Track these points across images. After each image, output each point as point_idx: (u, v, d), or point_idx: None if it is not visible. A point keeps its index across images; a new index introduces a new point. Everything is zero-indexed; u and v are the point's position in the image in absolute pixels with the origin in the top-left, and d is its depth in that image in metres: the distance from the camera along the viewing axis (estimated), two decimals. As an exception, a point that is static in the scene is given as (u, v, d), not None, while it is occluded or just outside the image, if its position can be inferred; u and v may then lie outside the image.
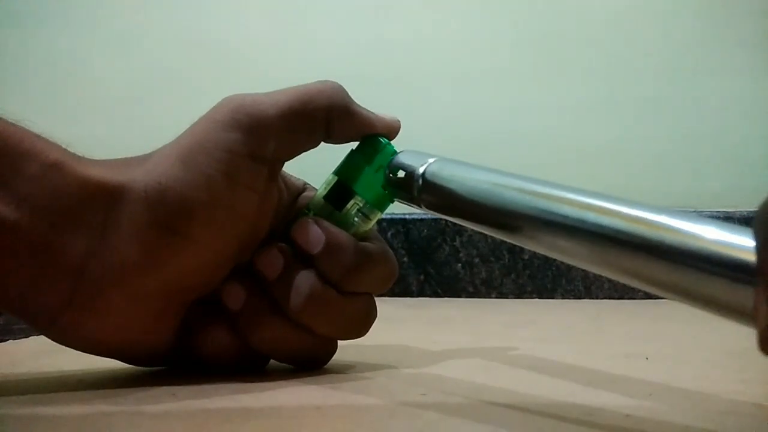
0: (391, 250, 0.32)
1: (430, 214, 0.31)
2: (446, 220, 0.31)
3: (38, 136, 0.27)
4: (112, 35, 0.81)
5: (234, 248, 0.29)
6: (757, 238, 0.16)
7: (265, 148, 0.29)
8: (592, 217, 0.21)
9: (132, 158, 0.29)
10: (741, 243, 0.17)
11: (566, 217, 0.22)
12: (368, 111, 0.32)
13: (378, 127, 0.32)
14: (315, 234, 0.30)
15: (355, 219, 0.32)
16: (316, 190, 0.33)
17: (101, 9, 0.81)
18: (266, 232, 0.31)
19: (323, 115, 0.30)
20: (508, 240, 0.26)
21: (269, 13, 0.80)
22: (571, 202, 0.22)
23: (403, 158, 0.31)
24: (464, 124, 0.77)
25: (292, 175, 0.33)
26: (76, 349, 0.29)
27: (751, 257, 0.16)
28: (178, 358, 0.31)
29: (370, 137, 0.32)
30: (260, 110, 0.29)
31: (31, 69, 0.82)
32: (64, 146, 0.28)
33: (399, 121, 0.33)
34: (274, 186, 0.30)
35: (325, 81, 0.31)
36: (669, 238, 0.19)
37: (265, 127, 0.29)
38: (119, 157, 0.30)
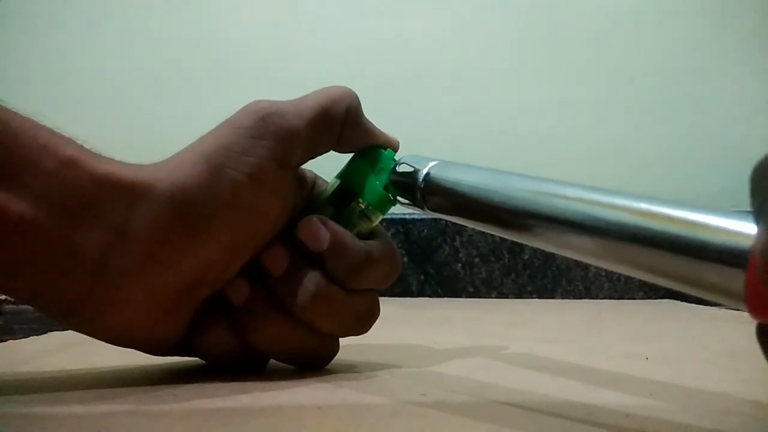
0: (394, 245, 0.33)
1: (431, 215, 0.31)
2: (446, 221, 0.31)
3: (53, 132, 0.27)
4: (112, 35, 0.81)
5: (251, 247, 0.30)
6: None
7: (293, 155, 0.30)
8: (597, 211, 0.21)
9: (145, 165, 0.30)
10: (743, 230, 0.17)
11: (575, 213, 0.22)
12: (373, 124, 0.33)
13: (381, 140, 0.33)
14: (321, 233, 0.30)
15: (358, 220, 0.32)
16: (326, 182, 0.33)
17: (101, 9, 0.82)
18: (280, 229, 0.31)
19: (340, 122, 0.31)
20: (512, 238, 0.26)
21: (270, 13, 0.80)
22: (579, 199, 0.22)
23: (406, 161, 0.31)
24: (464, 124, 0.77)
25: (303, 168, 0.33)
26: (92, 337, 0.29)
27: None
28: (186, 350, 0.31)
29: (372, 146, 0.33)
30: (288, 120, 0.30)
31: (31, 68, 0.82)
32: (79, 142, 0.28)
33: (398, 141, 0.34)
34: (293, 187, 0.31)
35: (343, 87, 0.32)
36: (672, 228, 0.19)
37: (294, 136, 0.30)
38: (118, 156, 0.30)
